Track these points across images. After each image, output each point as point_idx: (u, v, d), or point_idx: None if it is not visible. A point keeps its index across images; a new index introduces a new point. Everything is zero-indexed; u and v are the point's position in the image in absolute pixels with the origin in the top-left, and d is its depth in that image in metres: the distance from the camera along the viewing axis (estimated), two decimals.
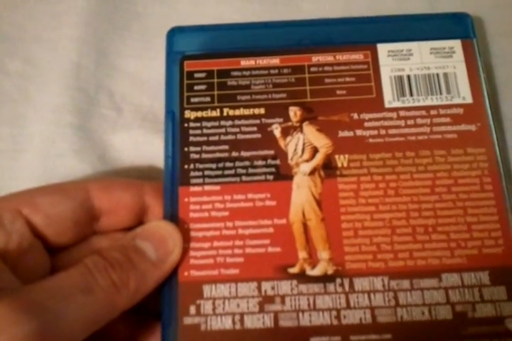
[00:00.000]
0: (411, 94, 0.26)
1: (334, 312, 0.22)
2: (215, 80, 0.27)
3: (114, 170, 0.28)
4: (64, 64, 0.30)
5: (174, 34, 0.28)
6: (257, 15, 0.31)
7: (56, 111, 0.29)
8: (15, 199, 0.22)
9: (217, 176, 0.25)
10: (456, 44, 0.27)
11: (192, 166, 0.25)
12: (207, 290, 0.23)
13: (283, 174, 0.25)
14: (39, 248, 0.22)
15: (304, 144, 0.25)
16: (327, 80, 0.26)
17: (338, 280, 0.23)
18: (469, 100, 0.26)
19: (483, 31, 0.29)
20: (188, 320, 0.22)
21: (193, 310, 0.22)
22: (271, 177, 0.25)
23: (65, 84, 0.29)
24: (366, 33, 0.28)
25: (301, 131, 0.25)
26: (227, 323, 0.22)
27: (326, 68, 0.27)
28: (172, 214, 0.24)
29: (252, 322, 0.22)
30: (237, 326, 0.22)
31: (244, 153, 0.25)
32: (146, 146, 0.28)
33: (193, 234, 0.24)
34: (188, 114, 0.26)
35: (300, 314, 0.22)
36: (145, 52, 0.30)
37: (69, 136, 0.28)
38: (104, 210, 0.23)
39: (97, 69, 0.30)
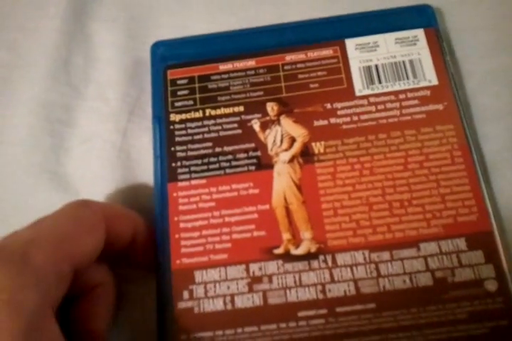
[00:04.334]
0: (379, 82, 0.27)
1: (319, 287, 0.23)
2: (197, 85, 0.29)
3: (100, 163, 0.28)
4: (48, 55, 0.31)
5: (157, 47, 0.30)
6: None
7: (44, 103, 0.30)
8: None
9: (202, 171, 0.26)
10: (419, 33, 0.28)
11: (179, 164, 0.27)
12: (198, 275, 0.24)
13: (264, 164, 0.26)
14: None
15: (282, 135, 0.27)
16: (300, 76, 0.28)
17: (321, 257, 0.24)
18: (435, 82, 0.27)
19: (445, 21, 0.30)
20: (182, 305, 0.23)
21: (186, 294, 0.24)
22: (253, 167, 0.26)
23: (51, 76, 0.30)
24: (334, 30, 0.30)
25: (279, 123, 0.27)
26: (218, 305, 0.23)
27: (299, 65, 0.28)
28: (162, 209, 0.26)
29: (243, 302, 0.23)
30: (229, 306, 0.23)
31: (226, 148, 0.27)
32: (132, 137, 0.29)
33: (182, 225, 0.25)
34: (173, 117, 0.28)
35: (287, 291, 0.23)
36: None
37: (55, 129, 0.29)
38: None
39: (83, 62, 0.31)
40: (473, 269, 0.23)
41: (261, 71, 0.29)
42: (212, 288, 0.24)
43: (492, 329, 0.22)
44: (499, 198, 0.25)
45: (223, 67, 0.29)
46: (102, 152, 0.28)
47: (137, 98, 0.30)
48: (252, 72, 0.29)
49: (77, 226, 0.21)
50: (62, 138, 0.29)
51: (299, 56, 0.29)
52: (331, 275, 0.23)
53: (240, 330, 0.23)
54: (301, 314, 0.23)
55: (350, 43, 0.29)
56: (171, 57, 0.30)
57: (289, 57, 0.29)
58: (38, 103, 0.30)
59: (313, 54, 0.29)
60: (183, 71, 0.29)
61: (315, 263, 0.24)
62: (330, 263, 0.24)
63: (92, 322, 0.22)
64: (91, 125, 0.29)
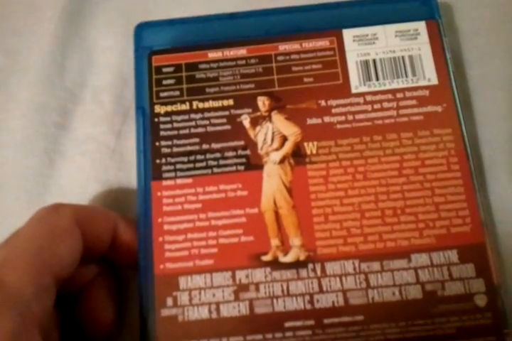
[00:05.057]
0: (377, 79, 0.26)
1: (307, 297, 0.23)
2: (184, 74, 0.27)
3: (94, 165, 0.28)
4: (43, 59, 0.30)
5: (142, 29, 0.28)
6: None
7: (38, 107, 0.29)
8: None
9: (188, 169, 0.25)
10: (421, 26, 0.27)
11: (164, 160, 0.25)
12: (183, 281, 0.23)
13: (253, 164, 0.25)
14: None
15: (273, 133, 0.26)
16: (294, 68, 0.27)
17: (310, 266, 0.23)
18: (435, 81, 0.26)
19: (451, 12, 0.29)
20: (165, 312, 0.23)
21: (169, 301, 0.23)
22: (242, 167, 0.25)
23: (46, 80, 0.29)
24: (331, 19, 0.28)
25: (270, 120, 0.26)
26: (203, 313, 0.23)
27: (293, 56, 0.27)
28: (146, 209, 0.24)
29: (228, 311, 0.23)
30: (214, 315, 0.23)
31: (214, 145, 0.25)
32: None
33: (166, 227, 0.24)
34: (158, 108, 0.26)
35: (274, 300, 0.23)
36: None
37: (50, 133, 0.28)
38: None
39: (79, 66, 0.30)
40: (464, 283, 0.22)
41: (252, 61, 0.27)
42: (197, 296, 0.23)
43: None
44: (494, 208, 0.24)
45: (212, 54, 0.27)
46: (96, 154, 0.28)
47: (132, 100, 0.28)
48: (243, 61, 0.27)
49: (50, 236, 0.20)
50: (57, 141, 0.28)
51: (293, 46, 0.27)
52: (320, 285, 0.23)
53: (224, 340, 0.22)
54: (288, 324, 0.22)
55: (348, 34, 0.27)
56: (155, 40, 0.28)
57: (283, 47, 0.27)
58: (33, 106, 0.29)
59: (308, 44, 0.27)
60: (170, 58, 0.27)
61: (303, 272, 0.23)
62: (319, 273, 0.23)
63: (97, 313, 0.23)
64: (86, 128, 0.29)
